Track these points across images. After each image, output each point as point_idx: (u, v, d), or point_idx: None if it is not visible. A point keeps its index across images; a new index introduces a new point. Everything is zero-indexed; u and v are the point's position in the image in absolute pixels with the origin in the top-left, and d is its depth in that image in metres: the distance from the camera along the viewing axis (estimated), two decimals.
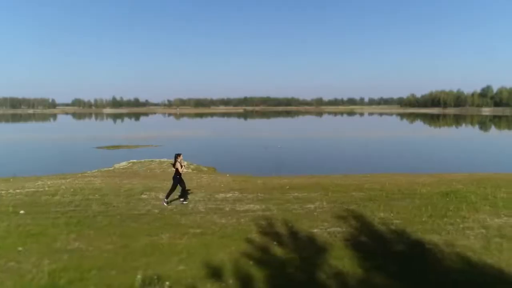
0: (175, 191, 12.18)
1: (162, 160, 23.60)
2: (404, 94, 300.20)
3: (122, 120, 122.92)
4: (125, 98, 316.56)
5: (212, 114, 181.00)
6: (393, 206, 11.30)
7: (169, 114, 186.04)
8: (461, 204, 11.19)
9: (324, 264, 7.01)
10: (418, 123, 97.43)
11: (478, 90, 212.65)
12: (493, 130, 72.06)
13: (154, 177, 17.36)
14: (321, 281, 6.40)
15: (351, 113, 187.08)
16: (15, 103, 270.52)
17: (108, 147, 36.98)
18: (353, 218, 10.16)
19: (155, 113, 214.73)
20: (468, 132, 66.43)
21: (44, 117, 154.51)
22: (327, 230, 9.21)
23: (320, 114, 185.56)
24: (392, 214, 10.38)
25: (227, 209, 11.28)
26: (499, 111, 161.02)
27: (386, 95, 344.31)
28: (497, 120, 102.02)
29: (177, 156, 12.29)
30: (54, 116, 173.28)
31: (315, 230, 9.17)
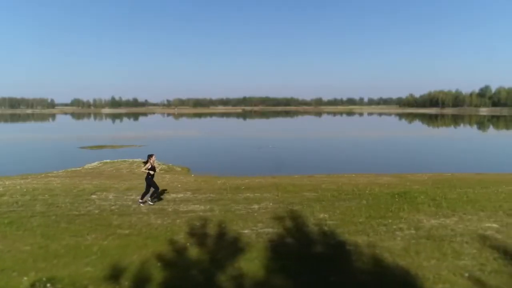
0: (149, 191, 12.06)
1: (135, 160, 23.53)
2: (404, 94, 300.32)
3: (121, 120, 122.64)
4: (124, 98, 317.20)
5: (210, 114, 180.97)
6: (338, 206, 11.20)
7: (168, 114, 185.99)
8: (404, 204, 11.10)
9: (231, 266, 6.91)
10: (412, 123, 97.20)
11: (477, 90, 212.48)
12: (484, 130, 71.83)
13: (117, 177, 17.29)
14: (218, 283, 6.31)
15: (350, 113, 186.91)
16: (14, 103, 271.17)
17: (91, 147, 36.90)
18: (290, 218, 10.07)
19: (154, 113, 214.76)
20: (459, 132, 66.21)
21: (42, 117, 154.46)
22: (258, 231, 9.12)
23: (319, 114, 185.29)
24: (331, 215, 10.28)
25: (170, 209, 11.20)
26: (496, 111, 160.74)
27: (385, 95, 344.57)
28: (494, 120, 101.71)
29: (149, 157, 12.22)
30: (53, 116, 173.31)
31: (245, 231, 9.08)
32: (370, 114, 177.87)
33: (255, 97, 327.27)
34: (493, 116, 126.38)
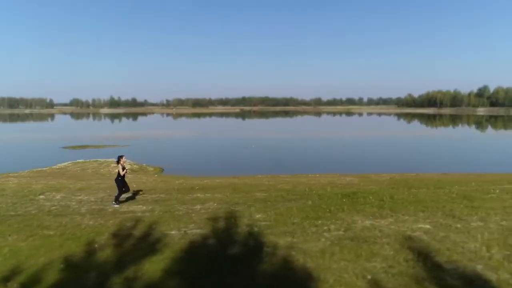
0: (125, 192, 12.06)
1: (107, 159, 23.42)
2: (403, 94, 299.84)
3: (120, 120, 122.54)
4: (123, 98, 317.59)
5: (209, 114, 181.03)
6: (281, 207, 11.02)
7: (167, 114, 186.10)
8: (345, 205, 10.89)
9: (133, 268, 6.75)
10: (407, 124, 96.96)
11: (475, 90, 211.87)
12: (476, 129, 71.55)
13: (77, 177, 17.17)
14: (109, 285, 6.16)
15: (348, 113, 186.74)
16: (12, 103, 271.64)
17: (74, 147, 36.87)
18: (225, 219, 9.90)
19: (152, 113, 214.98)
20: (451, 132, 65.98)
21: (40, 117, 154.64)
22: (187, 232, 8.95)
23: (318, 114, 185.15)
24: (268, 216, 10.09)
25: (110, 210, 11.07)
26: (494, 111, 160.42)
27: (385, 95, 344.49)
28: (491, 120, 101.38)
29: (119, 158, 12.14)
30: (51, 116, 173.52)
31: (173, 232, 8.92)
32: (369, 114, 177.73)
33: (254, 97, 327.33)
34: (490, 116, 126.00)
